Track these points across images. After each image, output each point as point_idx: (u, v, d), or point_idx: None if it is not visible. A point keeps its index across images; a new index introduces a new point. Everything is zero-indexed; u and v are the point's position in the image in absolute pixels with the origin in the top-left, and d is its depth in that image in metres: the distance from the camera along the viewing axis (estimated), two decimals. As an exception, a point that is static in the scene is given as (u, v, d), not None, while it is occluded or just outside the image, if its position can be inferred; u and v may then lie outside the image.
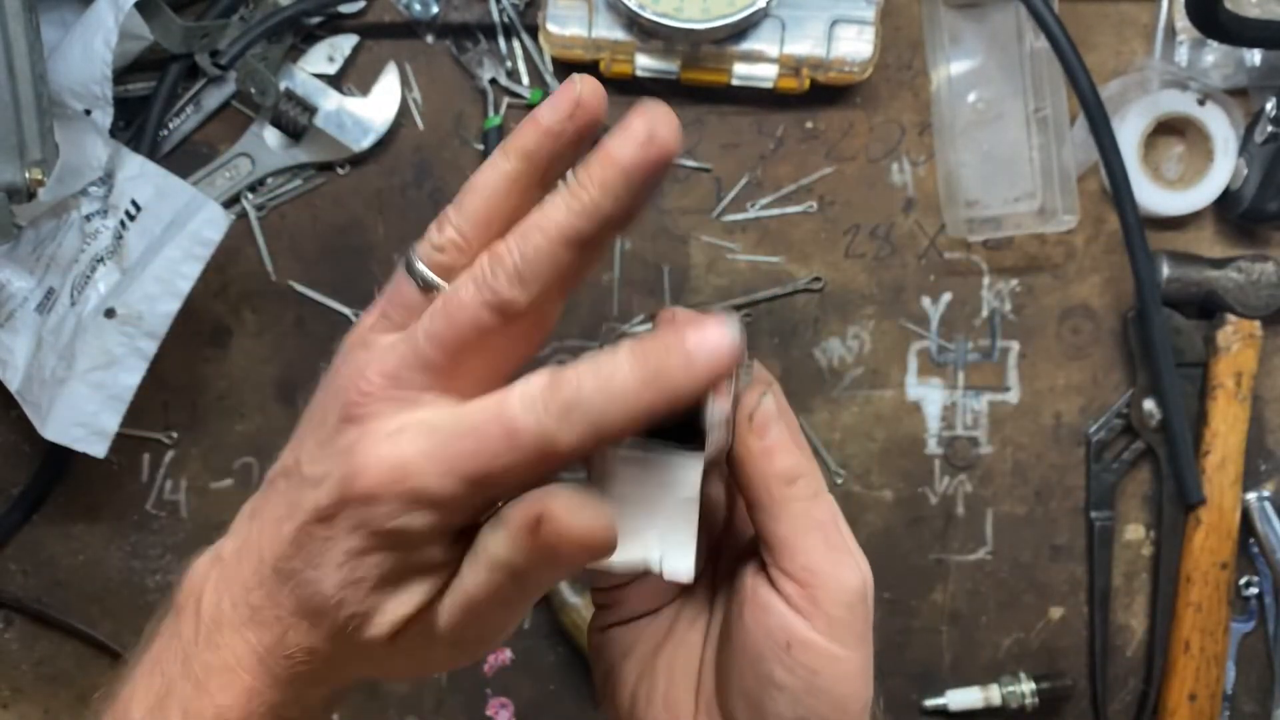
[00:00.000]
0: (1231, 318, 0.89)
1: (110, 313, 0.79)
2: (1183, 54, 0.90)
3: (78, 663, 0.93)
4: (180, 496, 0.92)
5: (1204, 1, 0.77)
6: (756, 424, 0.44)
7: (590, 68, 0.88)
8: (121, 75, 0.87)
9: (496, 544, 0.39)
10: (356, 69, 0.91)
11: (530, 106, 0.90)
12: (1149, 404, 0.90)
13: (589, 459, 0.43)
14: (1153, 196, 0.89)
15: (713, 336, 0.37)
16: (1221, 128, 0.88)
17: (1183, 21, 0.88)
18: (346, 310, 0.91)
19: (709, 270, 0.91)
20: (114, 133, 0.84)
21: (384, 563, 0.39)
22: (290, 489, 0.41)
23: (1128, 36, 0.91)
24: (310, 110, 0.88)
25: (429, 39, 0.91)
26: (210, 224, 0.79)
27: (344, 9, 0.89)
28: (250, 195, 0.90)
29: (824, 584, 0.43)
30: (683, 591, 0.51)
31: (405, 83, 0.90)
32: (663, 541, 0.42)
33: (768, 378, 0.48)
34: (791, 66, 0.87)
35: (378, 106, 0.89)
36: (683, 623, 0.51)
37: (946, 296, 0.92)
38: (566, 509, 0.38)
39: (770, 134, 0.91)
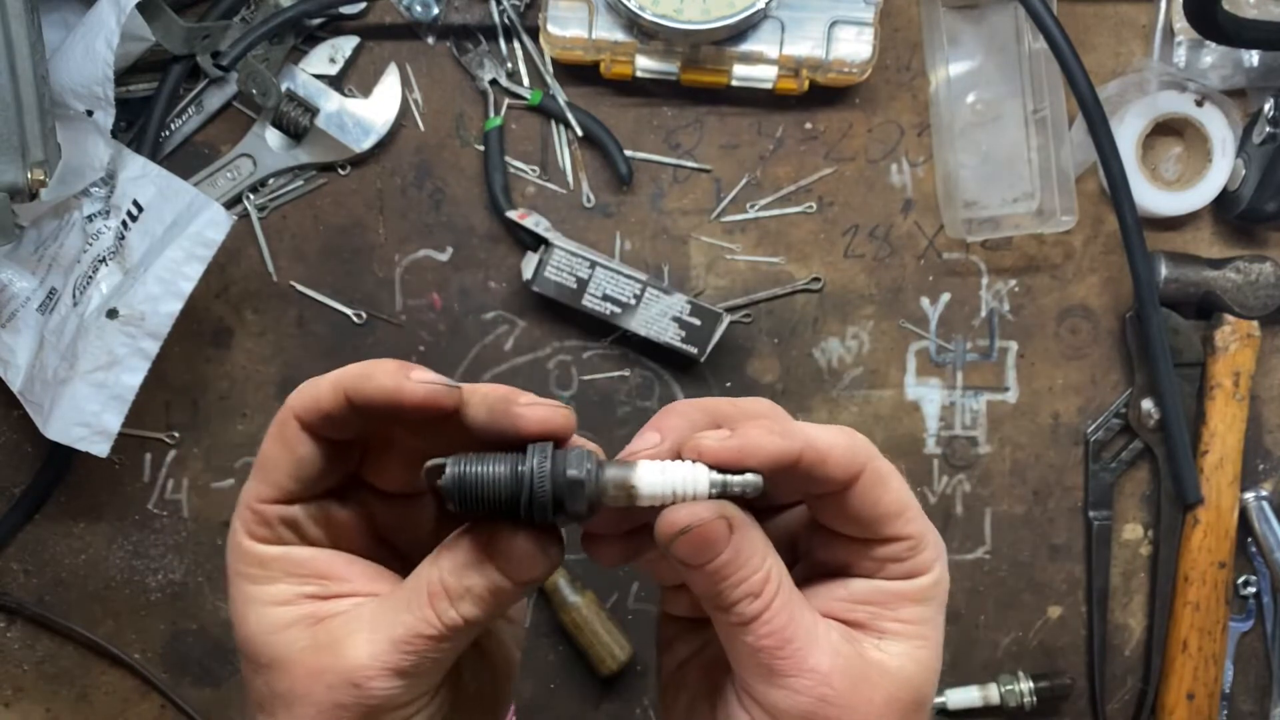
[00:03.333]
0: (1229, 318, 0.89)
1: (112, 313, 0.79)
2: (1181, 55, 0.90)
3: (79, 662, 0.93)
4: (182, 496, 0.92)
5: (1202, 3, 0.78)
6: (677, 551, 0.41)
7: (590, 69, 0.88)
8: (123, 76, 0.87)
9: None
10: (357, 70, 0.91)
11: (530, 107, 0.90)
12: (1147, 404, 0.90)
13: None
14: (1151, 197, 0.89)
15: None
16: (1219, 128, 0.89)
17: (1181, 23, 0.88)
18: (348, 310, 0.91)
19: (709, 270, 0.92)
20: (116, 133, 0.84)
21: None
22: None
23: (1126, 38, 0.91)
24: (311, 111, 0.89)
25: (430, 40, 0.91)
26: (212, 225, 0.80)
27: (345, 10, 0.89)
28: (252, 196, 0.91)
29: (763, 698, 0.42)
30: None
31: (406, 84, 0.90)
32: None
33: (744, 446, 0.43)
34: (791, 68, 0.87)
35: (379, 107, 0.89)
36: (716, 647, 0.49)
37: (945, 297, 0.92)
38: None
39: (770, 135, 0.91)
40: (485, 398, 0.42)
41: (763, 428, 0.42)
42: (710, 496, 0.41)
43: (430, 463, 0.42)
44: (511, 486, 0.41)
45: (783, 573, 0.43)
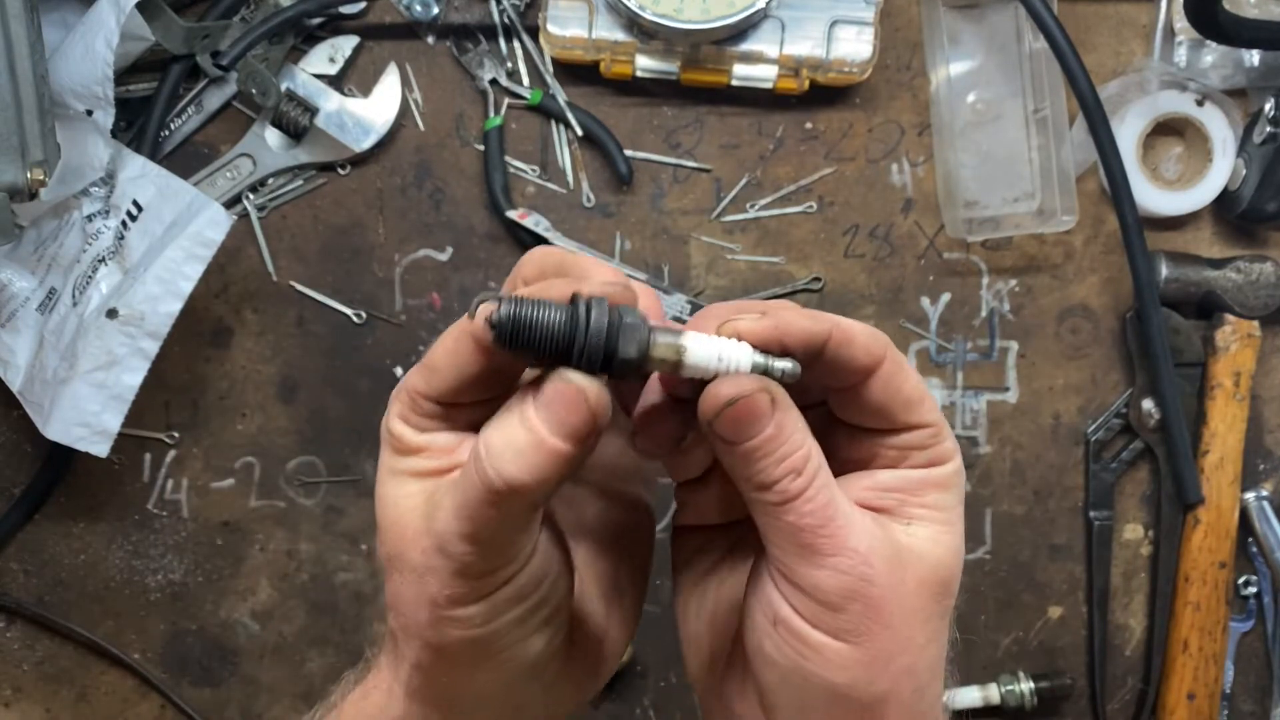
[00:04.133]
0: (1230, 318, 0.89)
1: (112, 313, 0.79)
2: (1181, 55, 0.90)
3: (79, 662, 0.93)
4: (181, 496, 0.92)
5: (1203, 2, 0.78)
6: (721, 426, 0.42)
7: (590, 69, 0.88)
8: (123, 76, 0.87)
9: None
10: (357, 70, 0.91)
11: (530, 107, 0.90)
12: (1148, 404, 0.90)
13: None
14: (1151, 197, 0.89)
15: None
16: (1220, 128, 0.89)
17: (1181, 22, 0.88)
18: (347, 310, 0.91)
19: (709, 270, 0.92)
20: (115, 133, 0.84)
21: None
22: None
23: (1126, 37, 0.91)
24: (311, 111, 0.89)
25: (430, 40, 0.91)
26: (212, 224, 0.80)
27: (345, 10, 0.89)
28: (251, 195, 0.90)
29: (805, 579, 0.42)
30: (747, 519, 0.47)
31: (406, 83, 0.90)
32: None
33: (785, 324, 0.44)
34: (791, 67, 0.87)
35: (378, 107, 0.89)
36: (744, 549, 0.50)
37: (945, 297, 0.92)
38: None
39: (770, 134, 0.91)
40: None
41: (794, 310, 0.43)
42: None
43: (482, 296, 0.41)
44: (566, 328, 0.40)
45: (820, 453, 0.43)
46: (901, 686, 0.43)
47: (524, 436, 0.41)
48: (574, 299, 0.41)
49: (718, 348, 0.42)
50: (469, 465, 0.42)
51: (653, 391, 0.47)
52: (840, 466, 0.46)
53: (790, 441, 0.42)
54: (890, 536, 0.44)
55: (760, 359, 0.42)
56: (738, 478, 0.43)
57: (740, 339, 0.43)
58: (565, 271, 0.45)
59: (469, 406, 0.45)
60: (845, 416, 0.46)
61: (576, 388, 0.41)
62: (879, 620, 0.42)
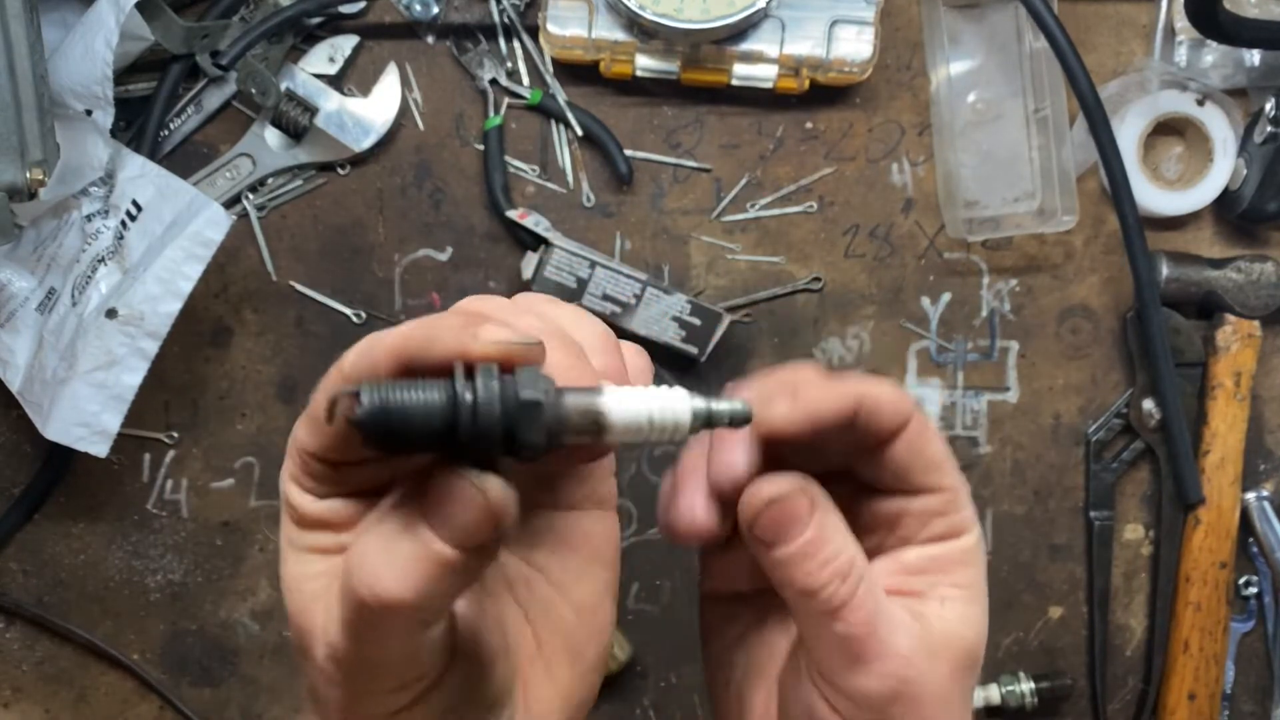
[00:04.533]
0: (1230, 317, 0.89)
1: (112, 313, 0.79)
2: (1182, 54, 0.90)
3: (78, 662, 0.93)
4: (181, 496, 0.92)
5: (1203, 2, 0.78)
6: (760, 530, 0.39)
7: (590, 68, 0.88)
8: (122, 76, 0.87)
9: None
10: (357, 69, 0.91)
11: (530, 107, 0.90)
12: (1148, 404, 0.90)
13: None
14: (1152, 197, 0.89)
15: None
16: (1221, 128, 0.89)
17: (1182, 22, 0.88)
18: (347, 310, 0.91)
19: (709, 270, 0.92)
20: (115, 133, 0.84)
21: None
22: None
23: (1127, 37, 0.91)
24: (311, 111, 0.89)
25: (429, 39, 0.91)
26: (211, 224, 0.79)
27: (344, 9, 0.89)
28: (251, 195, 0.90)
29: (847, 685, 0.40)
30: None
31: (406, 83, 0.90)
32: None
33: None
34: (791, 67, 0.87)
35: (378, 107, 0.89)
36: (774, 619, 0.47)
37: (946, 297, 0.92)
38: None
39: (770, 134, 0.91)
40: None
41: (818, 385, 0.40)
42: (692, 426, 0.37)
43: (340, 391, 0.33)
44: (446, 413, 0.33)
45: (862, 555, 0.41)
46: None
47: (406, 546, 0.34)
48: (453, 373, 0.33)
49: (647, 404, 0.36)
50: (343, 579, 0.35)
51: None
52: (857, 532, 0.43)
53: (831, 544, 0.40)
54: (926, 628, 0.42)
55: (701, 404, 0.37)
56: (777, 581, 0.41)
57: (773, 434, 0.39)
58: (435, 346, 0.35)
59: (370, 465, 0.38)
60: (863, 476, 0.44)
61: (472, 486, 0.34)
62: (919, 714, 0.41)
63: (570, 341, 0.38)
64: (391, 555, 0.34)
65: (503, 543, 0.36)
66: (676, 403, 0.36)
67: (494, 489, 0.34)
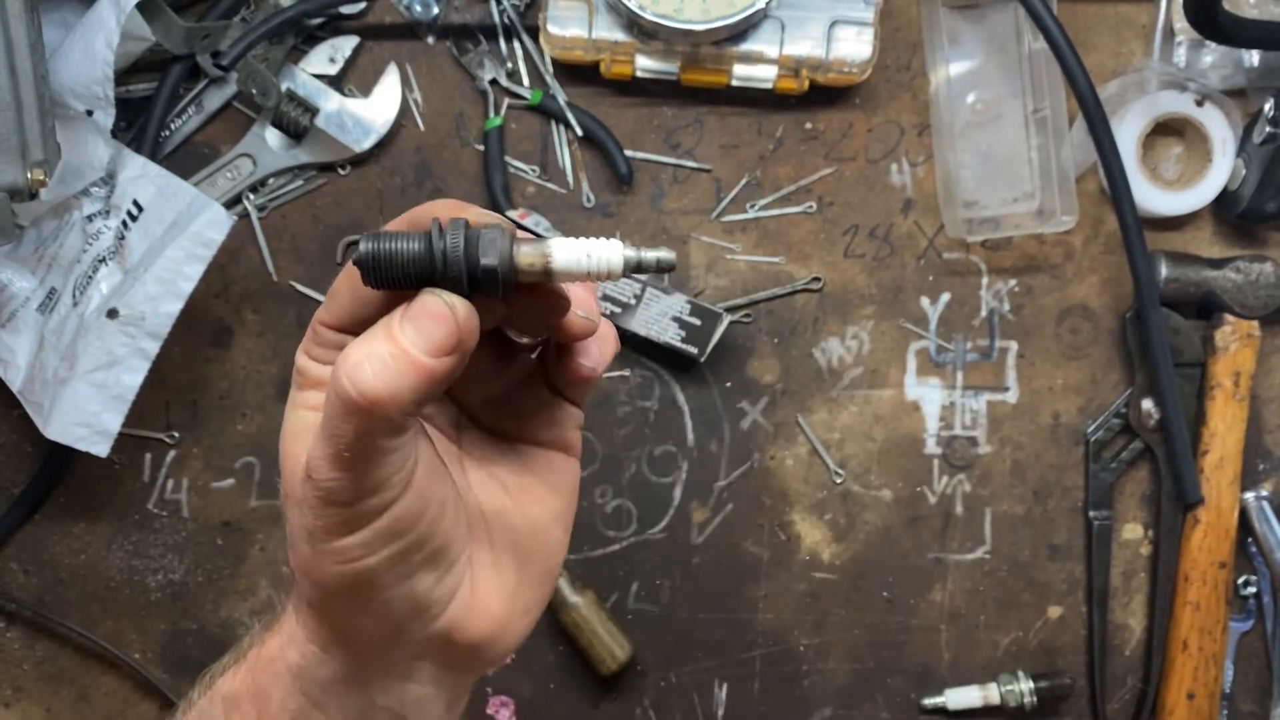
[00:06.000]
0: (1229, 317, 0.89)
1: (112, 313, 0.79)
2: (1181, 55, 0.90)
3: (79, 662, 0.93)
4: (182, 496, 0.92)
5: (1202, 3, 0.78)
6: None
7: (590, 69, 0.88)
8: (123, 76, 0.87)
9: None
10: (357, 70, 0.91)
11: (531, 108, 0.90)
12: (1147, 404, 0.90)
13: None
14: (1151, 197, 0.89)
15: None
16: (1220, 128, 0.89)
17: (1181, 22, 0.88)
18: (347, 310, 0.91)
19: (709, 270, 0.92)
20: (116, 133, 0.84)
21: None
22: None
23: (1126, 37, 0.91)
24: (311, 111, 0.89)
25: (430, 40, 0.91)
26: (212, 225, 0.80)
27: (345, 10, 0.89)
28: (251, 196, 0.91)
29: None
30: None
31: (406, 84, 0.90)
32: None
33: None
34: (791, 67, 0.87)
35: (378, 107, 0.89)
36: None
37: (945, 297, 0.92)
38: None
39: (770, 135, 0.91)
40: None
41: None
42: (624, 268, 0.43)
43: (347, 239, 0.44)
44: (426, 256, 0.41)
45: None
46: None
47: (385, 348, 0.40)
48: (433, 226, 0.41)
49: (585, 248, 0.42)
50: (330, 380, 0.41)
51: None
52: None
53: None
54: None
55: (632, 252, 0.43)
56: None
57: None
58: (431, 211, 0.44)
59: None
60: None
61: (443, 302, 0.41)
62: None
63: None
64: (371, 355, 0.40)
65: (464, 361, 0.42)
66: (611, 250, 0.43)
67: (460, 306, 0.41)
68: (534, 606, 0.50)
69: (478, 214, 0.43)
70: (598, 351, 0.48)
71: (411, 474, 0.43)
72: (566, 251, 0.42)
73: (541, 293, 0.44)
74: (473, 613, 0.47)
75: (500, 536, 0.48)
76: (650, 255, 0.43)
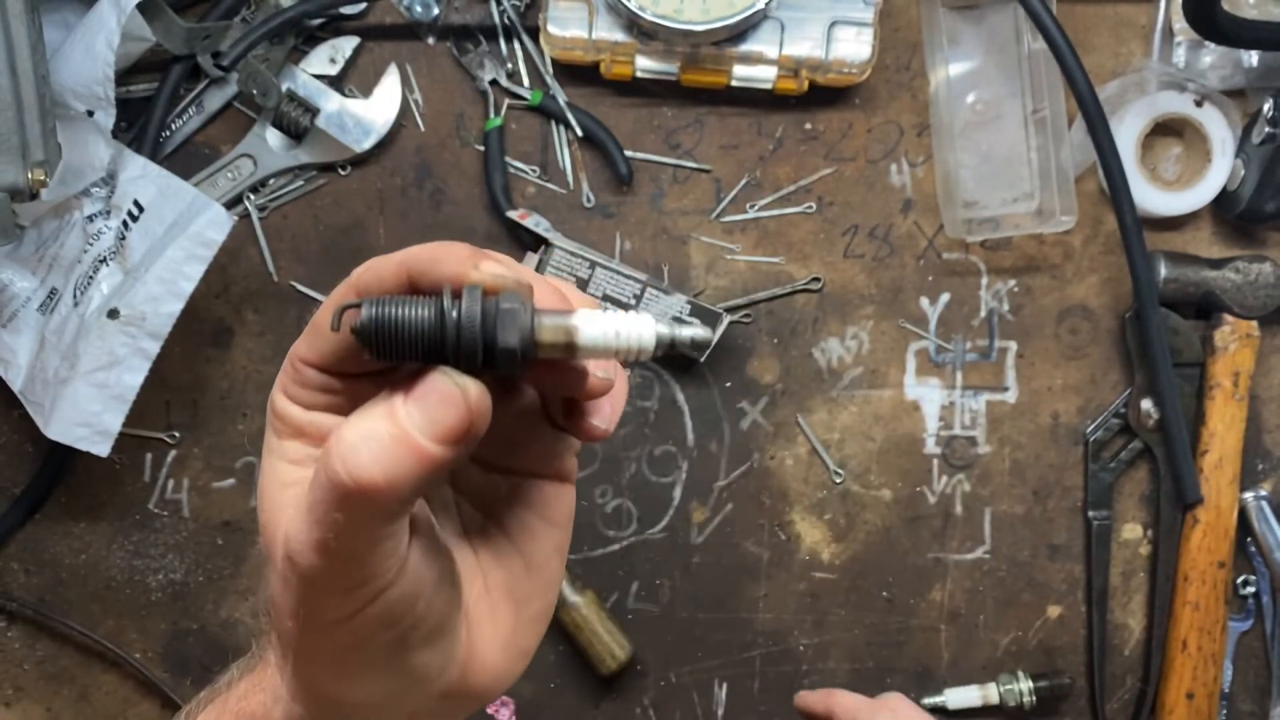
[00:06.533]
0: (1229, 318, 0.89)
1: (113, 313, 0.79)
2: (1180, 55, 0.90)
3: (79, 662, 0.93)
4: (182, 496, 0.92)
5: (1202, 3, 0.78)
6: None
7: (590, 69, 0.88)
8: (124, 76, 0.87)
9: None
10: (358, 70, 0.91)
11: (531, 108, 0.90)
12: (1147, 404, 0.90)
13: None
14: (1150, 197, 0.89)
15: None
16: (1219, 128, 0.89)
17: (1180, 23, 0.88)
18: (348, 310, 0.91)
19: (709, 270, 0.92)
20: (116, 134, 0.84)
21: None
22: None
23: (1125, 38, 0.91)
24: (312, 111, 0.89)
25: (430, 40, 0.91)
26: (213, 225, 0.80)
27: (345, 10, 0.89)
28: (252, 196, 0.91)
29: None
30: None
31: (406, 84, 0.91)
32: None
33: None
34: (790, 68, 0.87)
35: (379, 108, 0.90)
36: None
37: (945, 297, 0.92)
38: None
39: (769, 135, 0.92)
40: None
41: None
42: (657, 347, 0.39)
43: (345, 304, 0.38)
44: (435, 326, 0.37)
45: None
46: None
47: (387, 430, 0.36)
48: (444, 292, 0.37)
49: (614, 324, 0.38)
50: (320, 459, 0.37)
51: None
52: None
53: None
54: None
55: (665, 330, 0.39)
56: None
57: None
58: (439, 266, 0.38)
59: (360, 379, 0.41)
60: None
61: (454, 383, 0.36)
62: None
63: (553, 285, 0.41)
64: (369, 437, 0.36)
65: (472, 447, 0.38)
66: (642, 326, 0.39)
67: (473, 390, 0.37)
68: (532, 647, 0.47)
69: (491, 271, 0.38)
70: (609, 410, 0.43)
71: (405, 558, 0.39)
72: (593, 328, 0.38)
73: (561, 368, 0.40)
74: (470, 670, 0.44)
75: (496, 582, 0.45)
76: (685, 333, 0.39)
